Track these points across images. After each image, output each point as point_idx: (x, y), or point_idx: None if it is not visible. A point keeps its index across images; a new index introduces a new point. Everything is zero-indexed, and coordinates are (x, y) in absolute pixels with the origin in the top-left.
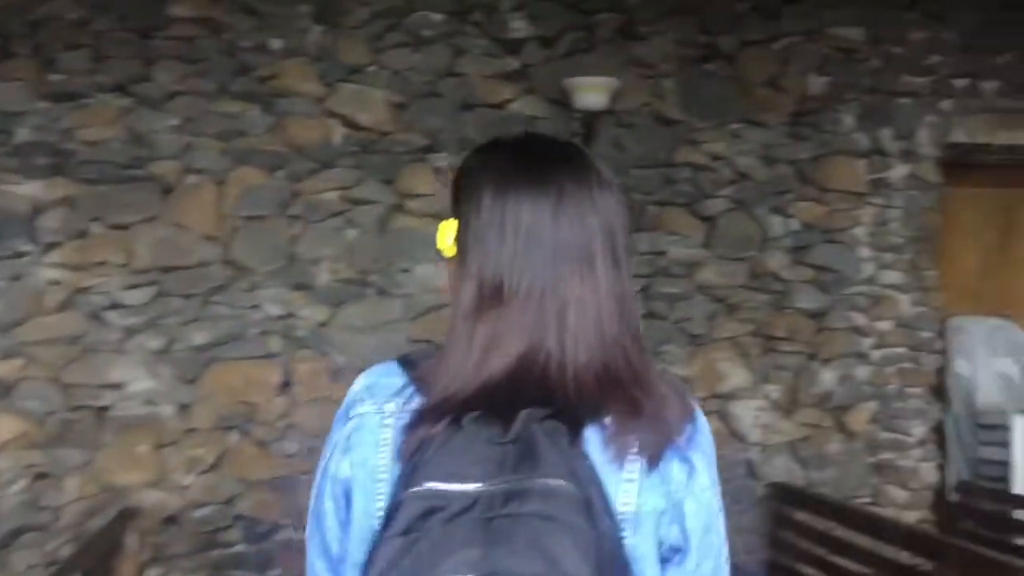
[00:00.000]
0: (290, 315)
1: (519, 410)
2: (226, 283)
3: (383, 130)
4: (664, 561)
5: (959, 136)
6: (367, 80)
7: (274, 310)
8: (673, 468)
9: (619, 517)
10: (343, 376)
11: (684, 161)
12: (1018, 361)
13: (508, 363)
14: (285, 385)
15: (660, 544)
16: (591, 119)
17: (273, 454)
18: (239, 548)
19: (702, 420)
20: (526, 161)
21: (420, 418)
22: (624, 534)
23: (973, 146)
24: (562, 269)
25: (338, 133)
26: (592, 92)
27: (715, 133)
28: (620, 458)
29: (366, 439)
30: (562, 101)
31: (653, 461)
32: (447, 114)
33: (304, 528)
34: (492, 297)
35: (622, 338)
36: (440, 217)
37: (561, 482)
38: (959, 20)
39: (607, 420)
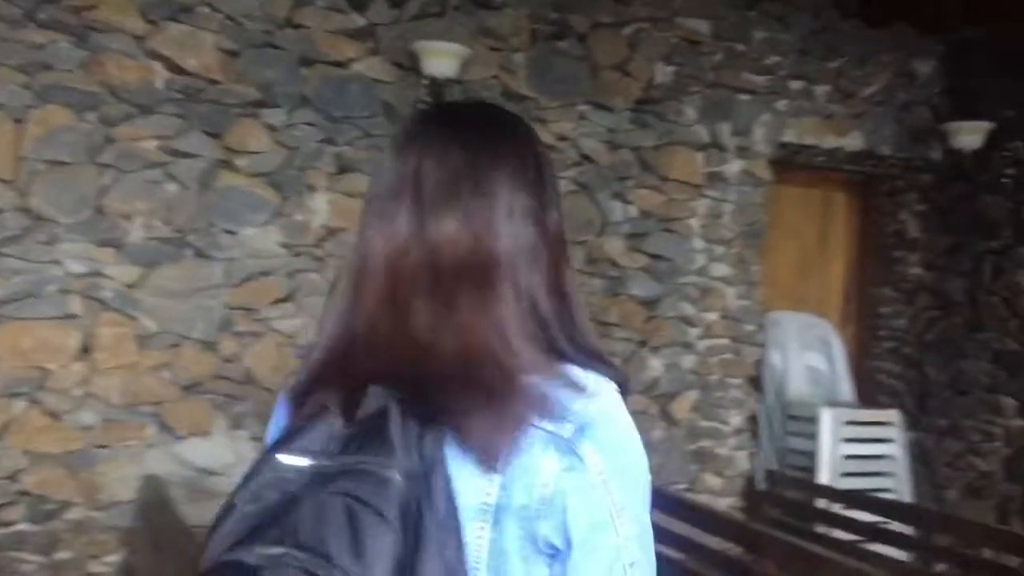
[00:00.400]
0: (95, 273)
1: (371, 389)
2: (21, 234)
3: (211, 78)
4: (550, 558)
5: (790, 136)
6: (197, 22)
7: (76, 267)
8: (547, 461)
9: (475, 509)
10: (153, 343)
11: None
12: (827, 356)
13: (351, 337)
14: (85, 351)
15: (533, 540)
16: (439, 87)
17: (66, 426)
18: (21, 527)
19: (608, 413)
20: (418, 129)
21: (300, 392)
22: (479, 527)
23: (801, 147)
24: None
25: (160, 77)
26: (441, 59)
27: (563, 113)
28: (478, 448)
29: (283, 410)
30: (409, 66)
31: (511, 453)
32: (284, 68)
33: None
34: (353, 269)
35: (481, 318)
36: (272, 177)
37: (387, 469)
38: (798, 23)
39: (468, 405)
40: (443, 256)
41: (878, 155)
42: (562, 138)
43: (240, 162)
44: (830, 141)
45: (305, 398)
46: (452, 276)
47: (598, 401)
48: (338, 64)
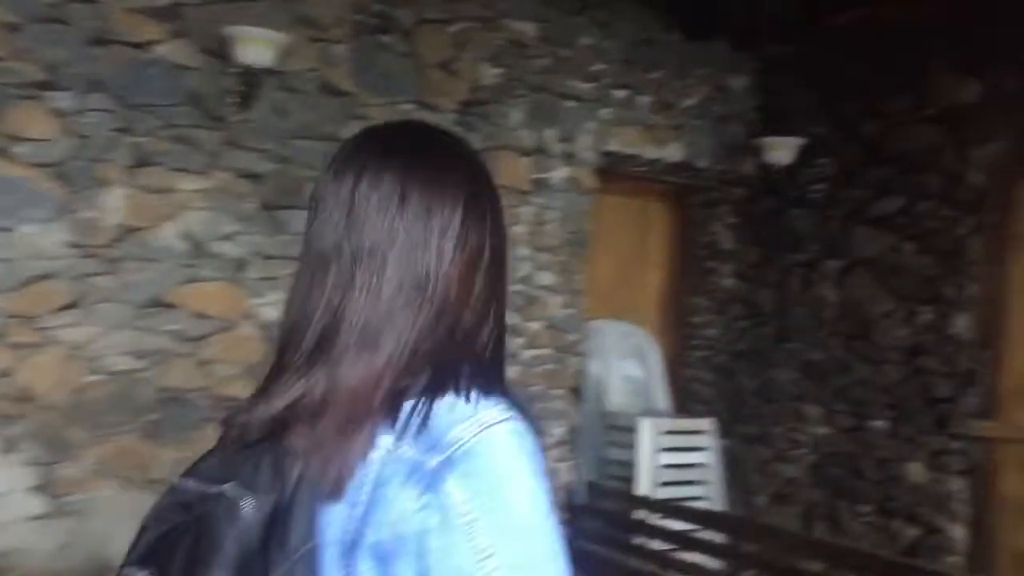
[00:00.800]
0: None
1: (257, 417)
2: None
3: None
4: None
5: (614, 145)
6: None
7: None
8: (404, 494)
9: (339, 544)
10: None
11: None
12: (644, 365)
13: (280, 352)
14: None
15: None
16: (252, 77)
17: None
18: None
19: (491, 442)
20: (356, 148)
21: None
22: (344, 565)
23: (624, 156)
24: (310, 270)
25: None
26: (255, 46)
27: (386, 111)
28: (335, 479)
29: None
30: (219, 52)
31: (349, 478)
32: (73, 47)
33: None
34: (293, 283)
35: (346, 347)
36: (58, 168)
37: (243, 499)
38: (622, 32)
39: (326, 430)
40: (366, 268)
41: (695, 167)
42: None
43: (19, 150)
44: (651, 151)
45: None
46: (379, 277)
47: (481, 428)
48: (137, 46)
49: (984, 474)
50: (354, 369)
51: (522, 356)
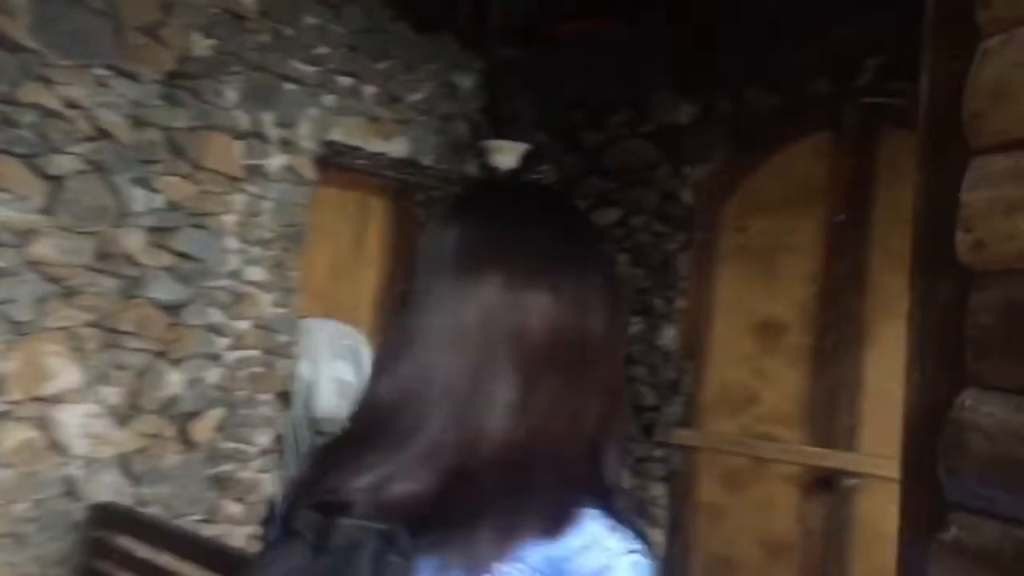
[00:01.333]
0: None
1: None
2: None
3: None
4: None
5: (336, 135)
6: None
7: None
8: None
9: None
10: None
11: (30, 101)
12: (356, 366)
13: (381, 420)
14: None
15: None
16: None
17: None
18: None
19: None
20: (511, 197)
21: (291, 496)
22: None
23: (347, 147)
24: (435, 339)
25: None
26: None
27: (75, 75)
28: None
29: None
30: None
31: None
32: None
33: None
34: (402, 334)
35: (561, 409)
36: None
37: None
38: (350, 16)
39: (449, 547)
40: (535, 331)
41: (420, 164)
42: (72, 105)
43: None
44: (375, 145)
45: (294, 505)
46: (541, 355)
47: (607, 558)
48: None
49: (682, 480)
50: (497, 463)
51: (227, 358)
